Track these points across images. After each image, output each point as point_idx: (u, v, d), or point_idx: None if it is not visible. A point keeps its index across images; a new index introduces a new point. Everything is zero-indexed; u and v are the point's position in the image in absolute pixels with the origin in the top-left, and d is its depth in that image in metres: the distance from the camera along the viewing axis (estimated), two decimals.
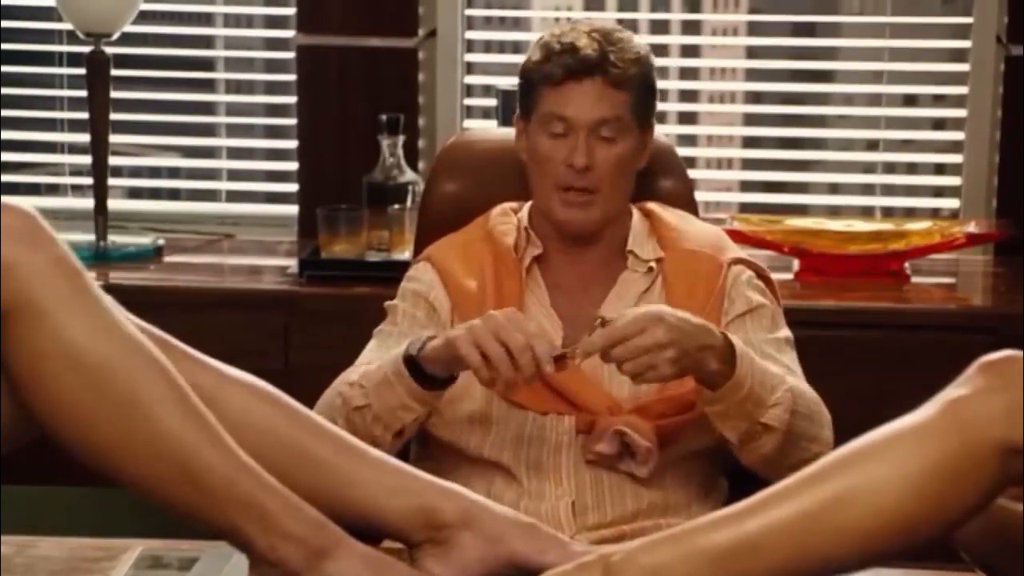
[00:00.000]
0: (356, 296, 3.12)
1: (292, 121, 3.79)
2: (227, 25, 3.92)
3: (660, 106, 2.31)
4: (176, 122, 3.92)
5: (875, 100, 3.76)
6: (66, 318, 1.50)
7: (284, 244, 3.69)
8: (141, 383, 1.52)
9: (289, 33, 3.79)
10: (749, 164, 3.86)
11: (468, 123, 3.79)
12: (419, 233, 2.52)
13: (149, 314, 1.64)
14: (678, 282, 2.23)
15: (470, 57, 3.80)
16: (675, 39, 3.79)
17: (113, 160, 3.58)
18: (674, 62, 3.81)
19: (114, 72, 3.49)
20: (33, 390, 1.51)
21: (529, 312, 2.21)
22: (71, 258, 1.54)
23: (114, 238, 3.54)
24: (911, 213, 3.73)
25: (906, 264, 3.37)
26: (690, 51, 3.83)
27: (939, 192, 3.79)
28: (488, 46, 3.89)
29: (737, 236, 2.99)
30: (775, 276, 2.34)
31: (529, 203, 2.32)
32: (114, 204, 3.60)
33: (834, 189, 3.84)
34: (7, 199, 1.52)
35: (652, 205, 2.34)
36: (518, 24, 3.87)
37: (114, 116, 3.52)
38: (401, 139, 3.32)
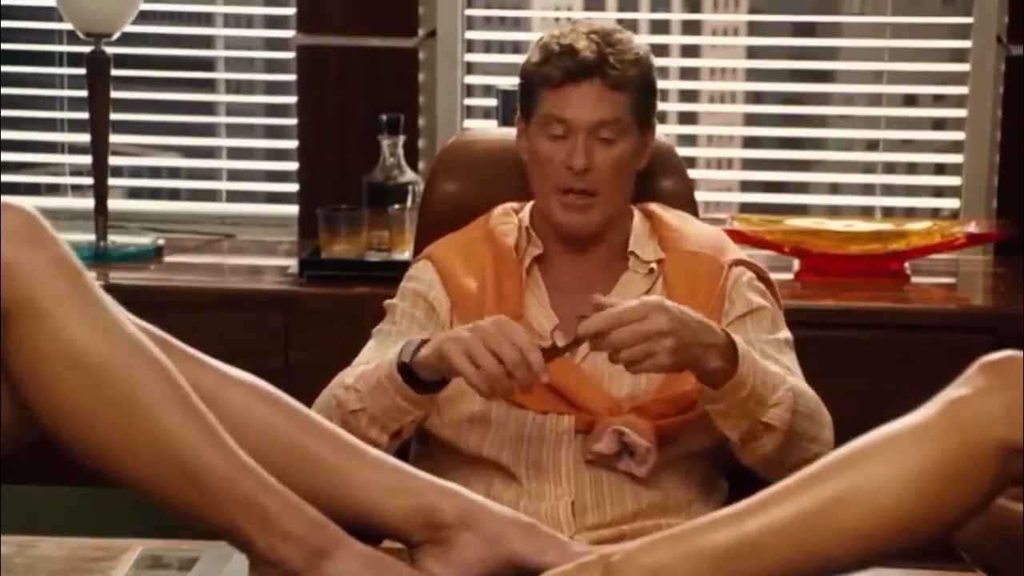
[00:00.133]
0: (356, 296, 3.12)
1: (292, 121, 3.79)
2: (227, 25, 3.92)
3: (660, 106, 2.31)
4: (176, 122, 3.92)
5: (875, 100, 3.76)
6: (66, 318, 1.50)
7: (284, 244, 3.69)
8: (141, 383, 1.52)
9: (289, 33, 3.79)
10: (749, 164, 3.85)
11: (468, 123, 3.79)
12: (419, 233, 2.52)
13: (149, 314, 1.64)
14: (679, 283, 2.23)
15: (470, 57, 3.80)
16: (675, 39, 3.79)
17: (113, 160, 3.58)
18: (674, 62, 3.81)
19: (114, 72, 3.49)
20: (33, 390, 1.52)
21: (529, 312, 2.21)
22: (72, 258, 1.54)
23: (114, 238, 3.54)
24: (911, 213, 3.73)
25: (906, 264, 3.37)
26: (690, 51, 3.83)
27: (939, 192, 3.79)
28: (488, 46, 3.89)
29: (737, 236, 2.99)
30: (775, 276, 2.34)
31: (530, 203, 2.32)
32: (114, 204, 3.60)
33: (834, 189, 3.84)
34: (7, 199, 1.52)
35: (653, 206, 2.34)
36: (518, 24, 3.87)
37: (114, 116, 3.52)
38: (401, 139, 3.32)
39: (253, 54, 3.94)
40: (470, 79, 3.79)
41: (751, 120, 3.87)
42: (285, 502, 1.56)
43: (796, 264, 3.37)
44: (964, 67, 3.67)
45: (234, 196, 3.91)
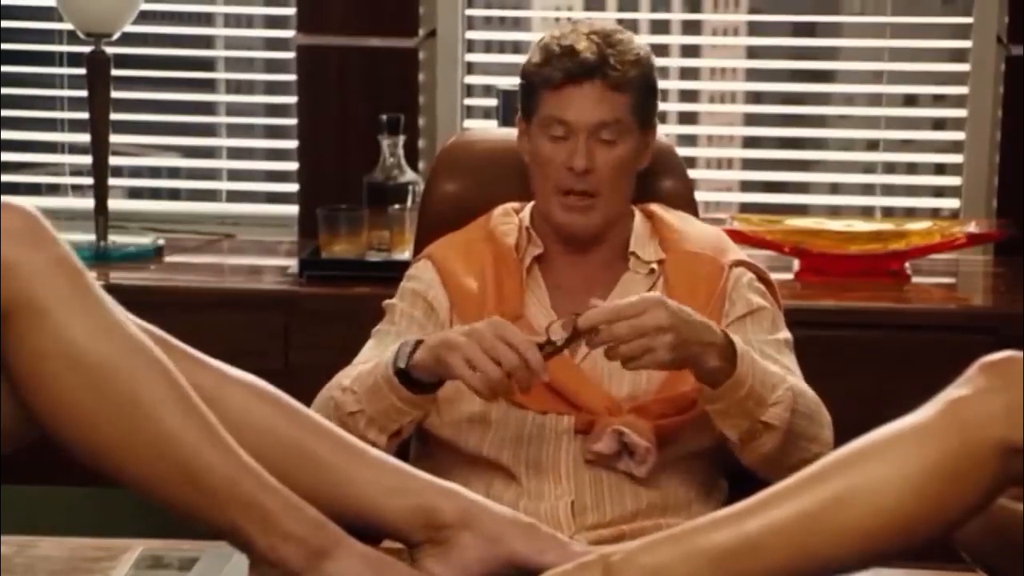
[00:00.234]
0: (356, 296, 3.12)
1: (292, 121, 3.79)
2: (227, 25, 3.92)
3: (660, 106, 2.30)
4: (176, 122, 3.92)
5: (875, 100, 3.76)
6: (67, 318, 1.50)
7: (284, 244, 3.69)
8: (142, 383, 1.52)
9: (289, 33, 3.79)
10: (749, 164, 3.86)
11: (468, 123, 3.79)
12: (419, 233, 2.52)
13: (149, 314, 1.64)
14: (679, 284, 2.23)
15: (470, 57, 3.80)
16: (675, 39, 3.79)
17: (113, 160, 3.58)
18: (674, 62, 3.81)
19: (114, 72, 3.49)
20: (34, 390, 1.52)
21: (529, 312, 2.22)
22: (72, 258, 1.54)
23: (114, 238, 3.54)
24: (911, 213, 3.73)
25: (906, 264, 3.37)
26: (690, 51, 3.83)
27: (939, 192, 3.79)
28: (488, 46, 3.89)
29: (737, 236, 2.99)
30: (775, 276, 2.34)
31: (531, 204, 2.32)
32: (114, 204, 3.60)
33: (834, 189, 3.84)
34: (8, 199, 1.52)
35: (654, 207, 2.34)
36: (518, 24, 3.87)
37: (114, 116, 3.52)
38: (401, 139, 3.32)
39: (253, 54, 3.94)
40: (470, 79, 3.79)
41: (751, 120, 3.87)
42: (285, 502, 1.56)
43: (796, 264, 3.37)
44: (964, 67, 3.67)
45: (234, 196, 3.91)
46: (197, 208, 3.90)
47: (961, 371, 1.42)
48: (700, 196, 2.78)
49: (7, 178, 3.82)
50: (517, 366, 1.95)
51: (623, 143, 2.22)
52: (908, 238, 3.37)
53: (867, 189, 3.79)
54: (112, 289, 1.60)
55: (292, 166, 3.81)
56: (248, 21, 3.95)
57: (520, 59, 2.33)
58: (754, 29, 3.84)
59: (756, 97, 3.88)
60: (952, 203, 3.74)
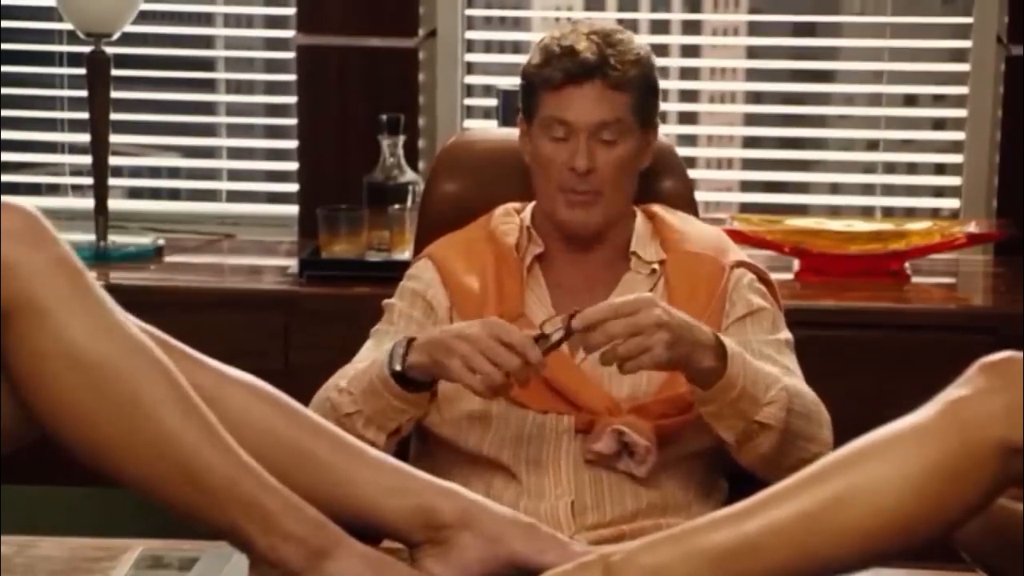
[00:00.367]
0: (356, 296, 3.12)
1: (292, 121, 3.79)
2: (227, 25, 3.92)
3: (661, 106, 2.30)
4: (176, 122, 3.92)
5: (875, 100, 3.76)
6: (67, 318, 1.50)
7: (284, 244, 3.69)
8: (142, 383, 1.52)
9: (289, 33, 3.79)
10: (749, 164, 3.86)
11: (468, 123, 3.79)
12: (419, 233, 2.52)
13: (149, 314, 1.64)
14: (680, 284, 2.23)
15: (470, 57, 3.80)
16: (675, 39, 3.79)
17: (113, 160, 3.58)
18: (674, 62, 3.81)
19: (114, 72, 3.49)
20: (34, 390, 1.52)
21: (530, 310, 2.22)
22: (72, 258, 1.54)
23: (114, 238, 3.54)
24: (911, 213, 3.73)
25: (906, 264, 3.38)
26: (690, 51, 3.83)
27: (939, 192, 3.79)
28: (488, 46, 3.89)
29: (737, 236, 2.99)
30: (775, 276, 2.34)
31: (532, 203, 2.32)
32: (114, 204, 3.60)
33: (834, 189, 3.84)
34: (8, 199, 1.52)
35: (656, 207, 2.34)
36: (518, 24, 3.87)
37: (114, 116, 3.52)
38: (401, 139, 3.32)
39: (253, 54, 3.94)
40: (470, 79, 3.79)
41: (751, 120, 3.87)
42: (285, 502, 1.56)
43: (796, 264, 3.37)
44: (964, 67, 3.67)
45: (234, 196, 3.91)
46: (197, 208, 3.90)
47: (961, 371, 1.42)
48: (700, 196, 2.78)
49: (7, 178, 3.82)
50: (517, 367, 1.96)
51: (624, 143, 2.22)
52: (908, 238, 3.37)
53: (867, 189, 3.79)
54: (112, 289, 1.60)
55: (292, 166, 3.81)
56: (248, 21, 3.95)
57: (520, 59, 2.33)
58: (754, 29, 3.84)
59: (756, 97, 3.88)
60: (952, 203, 3.74)
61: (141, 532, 1.94)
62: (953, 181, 3.74)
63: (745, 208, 3.76)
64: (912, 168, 3.81)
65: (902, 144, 3.82)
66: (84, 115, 3.55)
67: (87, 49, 3.47)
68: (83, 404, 1.51)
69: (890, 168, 3.78)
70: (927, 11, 3.77)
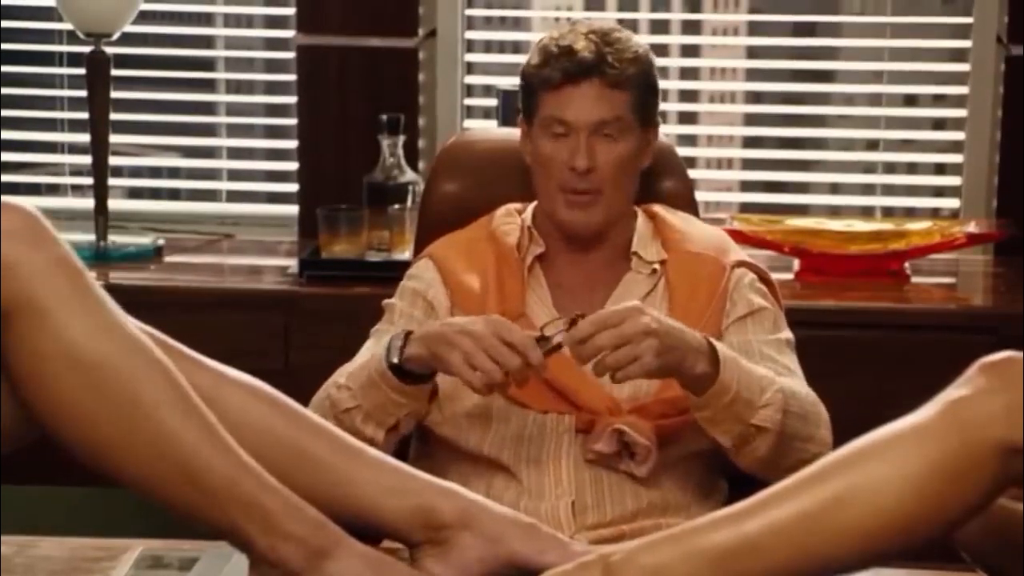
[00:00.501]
0: (356, 296, 3.12)
1: (292, 121, 3.79)
2: (227, 25, 3.92)
3: (660, 106, 2.30)
4: (176, 122, 3.92)
5: (875, 100, 3.76)
6: (67, 318, 1.50)
7: (284, 244, 3.69)
8: (142, 383, 1.52)
9: (289, 33, 3.79)
10: (749, 164, 3.86)
11: (468, 123, 3.79)
12: (419, 233, 2.52)
13: (149, 314, 1.64)
14: (681, 284, 2.23)
15: (470, 57, 3.80)
16: (675, 39, 3.79)
17: (113, 160, 3.58)
18: (674, 62, 3.81)
19: (114, 72, 3.49)
20: (34, 390, 1.52)
21: (531, 310, 2.22)
22: (73, 258, 1.54)
23: (114, 238, 3.54)
24: (911, 213, 3.73)
25: (906, 264, 3.38)
26: (690, 51, 3.83)
27: (939, 192, 3.79)
28: (488, 46, 3.89)
29: (737, 236, 2.98)
30: (775, 276, 2.34)
31: (533, 203, 2.32)
32: (114, 204, 3.60)
33: (834, 189, 3.84)
34: (8, 199, 1.52)
35: (657, 207, 2.34)
36: (518, 24, 3.87)
37: (114, 116, 3.52)
38: (401, 139, 3.32)
39: (253, 54, 3.94)
40: (470, 79, 3.79)
41: (751, 120, 3.87)
42: (285, 502, 1.56)
43: (796, 264, 3.37)
44: (964, 67, 3.67)
45: (234, 196, 3.91)
46: (197, 208, 3.90)
47: (961, 371, 1.42)
48: (700, 196, 2.78)
49: (7, 178, 3.82)
50: (517, 366, 1.96)
51: (624, 141, 2.22)
52: (908, 238, 3.37)
53: (867, 189, 3.79)
54: (112, 289, 1.60)
55: (292, 166, 3.81)
56: (248, 21, 3.95)
57: (520, 59, 2.33)
58: (754, 29, 3.84)
59: (756, 97, 3.88)
60: (952, 203, 3.74)
61: (141, 532, 1.94)
62: (953, 181, 3.74)
63: (745, 208, 3.76)
64: (912, 168, 3.81)
65: (902, 144, 3.82)
66: (84, 115, 3.55)
67: (87, 49, 3.47)
68: (83, 404, 1.51)
69: (890, 168, 3.78)
70: (927, 11, 3.77)
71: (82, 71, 3.50)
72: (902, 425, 1.42)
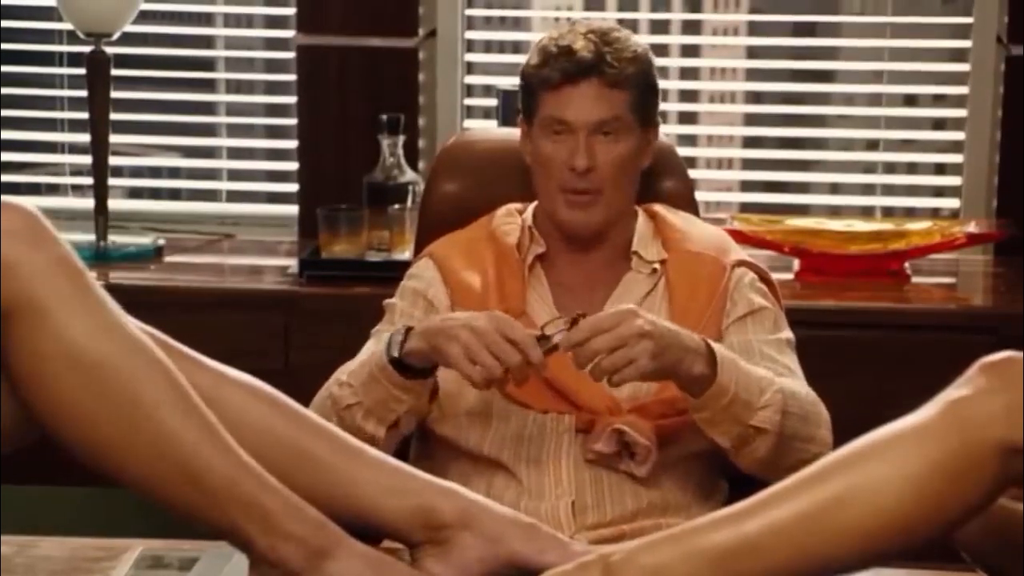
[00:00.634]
0: (356, 296, 3.12)
1: (292, 121, 3.79)
2: (227, 25, 3.92)
3: (660, 106, 2.30)
4: (176, 122, 3.92)
5: (875, 100, 3.76)
6: (67, 318, 1.50)
7: (284, 244, 3.69)
8: (142, 383, 1.52)
9: (289, 33, 3.79)
10: (749, 164, 3.86)
11: (468, 123, 3.79)
12: (419, 233, 2.52)
13: (149, 314, 1.64)
14: (681, 284, 2.23)
15: (470, 57, 3.80)
16: (675, 39, 3.79)
17: (113, 160, 3.58)
18: (674, 62, 3.81)
19: (114, 72, 3.49)
20: (34, 390, 1.52)
21: (532, 309, 2.22)
22: (73, 258, 1.54)
23: (114, 238, 3.54)
24: (911, 213, 3.73)
25: (906, 264, 3.38)
26: (690, 51, 3.83)
27: (939, 192, 3.79)
28: (488, 46, 3.89)
29: (737, 236, 2.98)
30: (775, 276, 2.34)
31: (534, 203, 2.32)
32: (114, 204, 3.60)
33: (834, 189, 3.84)
34: (8, 199, 1.52)
35: (657, 207, 2.34)
36: (518, 24, 3.87)
37: (114, 116, 3.52)
38: (401, 139, 3.32)
39: (253, 54, 3.94)
40: (470, 79, 3.79)
41: (751, 120, 3.87)
42: (285, 502, 1.56)
43: (796, 264, 3.37)
44: (964, 67, 3.67)
45: (234, 196, 3.91)
46: (197, 208, 3.90)
47: (961, 371, 1.43)
48: (700, 196, 2.78)
49: (7, 178, 3.82)
50: (517, 364, 1.96)
51: (624, 141, 2.22)
52: (908, 238, 3.37)
53: (867, 189, 3.79)
54: (112, 289, 1.60)
55: (292, 166, 3.81)
56: (248, 21, 3.95)
57: (520, 59, 2.33)
58: (754, 29, 3.84)
59: (756, 97, 3.88)
60: (952, 203, 3.74)
61: (141, 532, 1.94)
62: (953, 181, 3.74)
63: (745, 208, 3.76)
64: (912, 168, 3.81)
65: (902, 144, 3.82)
66: (84, 115, 3.55)
67: (87, 49, 3.47)
68: (83, 404, 1.51)
69: (890, 168, 3.78)
70: (927, 11, 3.77)
71: (82, 71, 3.50)
72: (902, 425, 1.42)
